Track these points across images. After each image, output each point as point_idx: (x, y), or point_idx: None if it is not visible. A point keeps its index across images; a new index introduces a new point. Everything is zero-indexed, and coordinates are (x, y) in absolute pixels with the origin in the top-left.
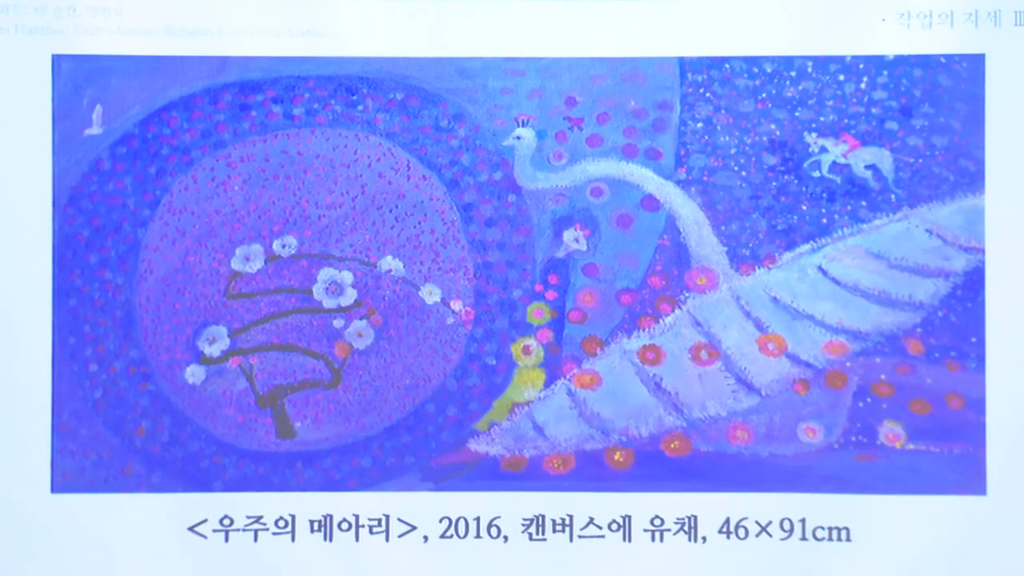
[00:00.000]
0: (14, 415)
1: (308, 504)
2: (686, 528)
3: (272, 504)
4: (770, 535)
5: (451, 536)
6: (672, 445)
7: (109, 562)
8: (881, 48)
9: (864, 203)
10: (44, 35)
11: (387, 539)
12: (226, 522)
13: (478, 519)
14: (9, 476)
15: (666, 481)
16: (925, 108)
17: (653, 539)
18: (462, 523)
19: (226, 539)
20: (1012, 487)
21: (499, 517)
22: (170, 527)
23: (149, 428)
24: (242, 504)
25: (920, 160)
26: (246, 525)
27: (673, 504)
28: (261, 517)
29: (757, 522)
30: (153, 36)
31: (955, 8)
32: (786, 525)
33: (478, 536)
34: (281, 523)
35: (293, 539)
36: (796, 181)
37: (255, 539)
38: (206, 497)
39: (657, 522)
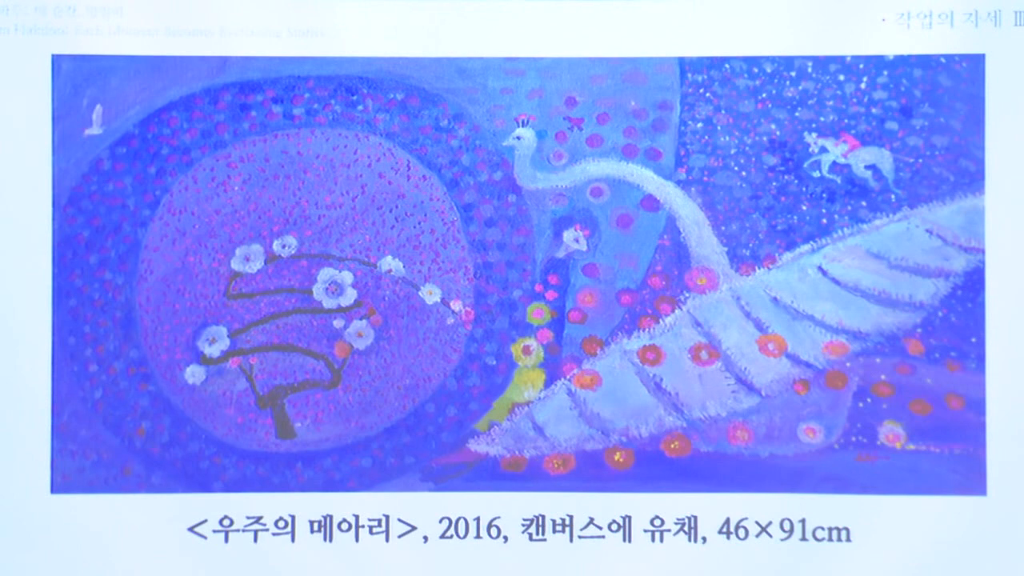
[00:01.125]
0: (14, 415)
1: (308, 504)
2: (686, 528)
3: (272, 504)
4: (770, 535)
5: (451, 536)
6: (672, 445)
7: (109, 563)
8: (881, 48)
9: (864, 203)
10: (44, 35)
11: (387, 539)
12: (226, 522)
13: (478, 519)
14: (9, 476)
15: (666, 481)
16: (925, 108)
17: (653, 539)
18: (462, 523)
19: (226, 539)
20: (1012, 487)
21: (499, 517)
22: (170, 527)
23: (149, 428)
24: (242, 504)
25: (920, 160)
26: (246, 525)
27: (673, 504)
28: (261, 517)
29: (757, 522)
30: (153, 36)
31: (955, 8)
32: (786, 525)
33: (478, 536)
34: (281, 523)
35: (293, 539)
36: (796, 181)
37: (255, 539)
38: (206, 497)
39: (657, 522)
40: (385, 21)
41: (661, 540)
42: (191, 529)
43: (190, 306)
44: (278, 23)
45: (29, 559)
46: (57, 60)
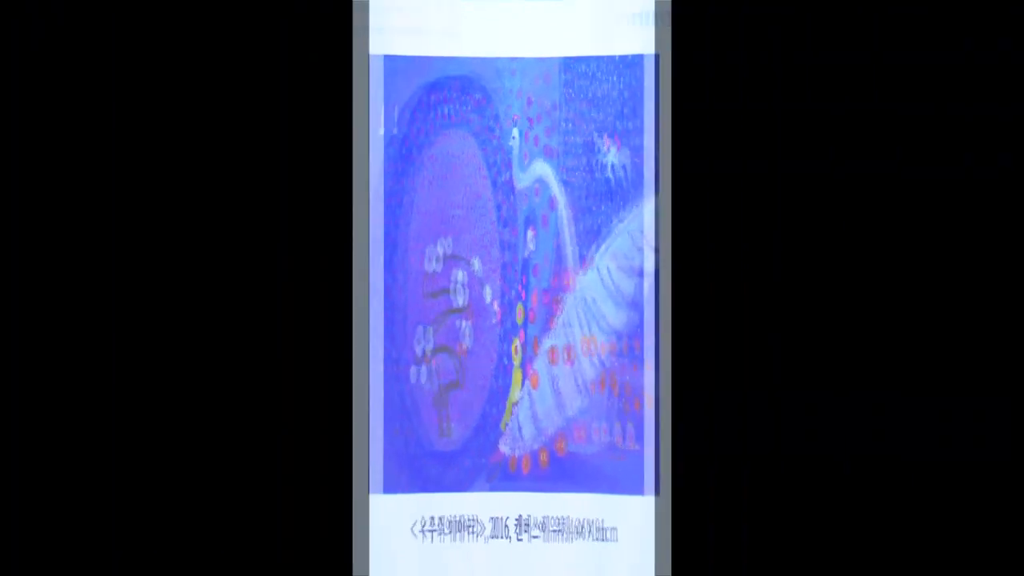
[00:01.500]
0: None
1: (446, 504)
2: (559, 529)
3: (449, 504)
4: (586, 535)
5: (497, 536)
6: (558, 445)
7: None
8: (625, 48)
9: (622, 203)
10: (366, 35)
11: (478, 539)
12: (425, 523)
13: (500, 518)
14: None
15: (560, 481)
16: (642, 109)
17: (546, 540)
18: (499, 522)
19: (424, 539)
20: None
21: (509, 517)
22: (399, 527)
23: (397, 427)
24: (433, 504)
25: (639, 160)
26: (427, 526)
27: (551, 505)
28: (442, 517)
29: (590, 523)
30: (392, 35)
31: (650, 8)
32: (597, 525)
33: (497, 536)
34: (440, 522)
35: (454, 539)
36: (598, 181)
37: (429, 539)
38: (420, 498)
39: (555, 522)
40: (481, 20)
41: (547, 541)
42: (411, 529)
43: (412, 306)
44: (430, 23)
45: (360, 560)
46: (373, 60)
